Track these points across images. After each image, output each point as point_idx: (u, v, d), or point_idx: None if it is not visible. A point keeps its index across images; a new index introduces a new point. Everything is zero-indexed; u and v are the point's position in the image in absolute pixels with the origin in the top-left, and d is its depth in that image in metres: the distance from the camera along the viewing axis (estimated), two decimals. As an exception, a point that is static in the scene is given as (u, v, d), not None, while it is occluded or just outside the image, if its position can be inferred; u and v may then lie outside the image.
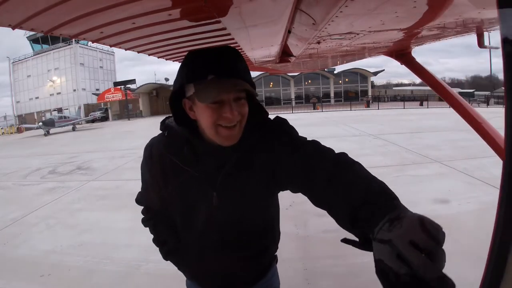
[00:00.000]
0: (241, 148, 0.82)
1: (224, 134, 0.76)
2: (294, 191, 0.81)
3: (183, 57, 0.81)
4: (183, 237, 0.96)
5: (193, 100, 0.76)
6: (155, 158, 0.90)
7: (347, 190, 0.63)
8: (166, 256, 1.02)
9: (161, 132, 0.91)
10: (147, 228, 1.05)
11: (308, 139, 0.83)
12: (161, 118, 0.93)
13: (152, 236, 1.03)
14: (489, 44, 1.44)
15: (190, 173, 0.84)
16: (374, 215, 0.55)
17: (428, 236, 0.45)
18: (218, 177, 0.83)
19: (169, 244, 0.99)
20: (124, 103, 30.27)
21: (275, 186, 0.86)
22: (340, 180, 0.67)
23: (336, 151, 0.77)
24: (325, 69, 27.79)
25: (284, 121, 0.87)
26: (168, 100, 0.82)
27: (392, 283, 0.46)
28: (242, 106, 0.76)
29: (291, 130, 0.85)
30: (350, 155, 0.75)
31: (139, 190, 1.06)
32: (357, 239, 0.60)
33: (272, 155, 0.81)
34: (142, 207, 1.06)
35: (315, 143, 0.80)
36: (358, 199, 0.60)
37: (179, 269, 1.04)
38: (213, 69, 0.73)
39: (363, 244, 0.58)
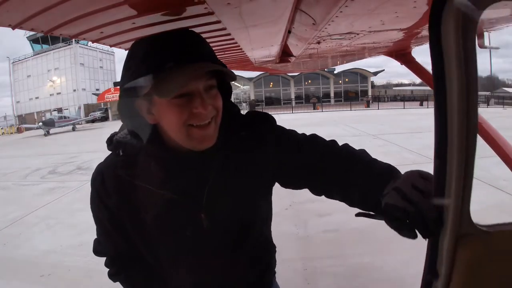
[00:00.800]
0: (223, 152, 0.67)
1: (197, 135, 0.60)
2: (295, 187, 0.75)
3: None
4: (167, 276, 0.77)
5: (151, 98, 0.59)
6: (111, 187, 0.69)
7: (359, 180, 0.65)
8: None
9: (110, 153, 0.72)
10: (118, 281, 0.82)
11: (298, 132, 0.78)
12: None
13: None
14: (489, 44, 1.43)
15: (165, 195, 0.66)
16: (384, 190, 0.60)
17: (426, 181, 0.54)
18: (202, 193, 0.67)
19: None
20: (124, 103, 30.23)
21: (269, 186, 0.77)
22: (351, 173, 0.67)
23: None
24: (325, 69, 27.78)
25: (267, 115, 0.77)
26: (117, 107, 0.65)
27: (400, 220, 0.52)
28: (215, 97, 0.62)
29: (278, 125, 0.76)
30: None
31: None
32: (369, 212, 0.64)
33: (264, 153, 0.71)
34: (105, 259, 0.82)
35: (313, 137, 0.75)
36: (369, 185, 0.63)
37: None
38: (172, 54, 0.58)
39: (377, 214, 0.61)
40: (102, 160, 0.74)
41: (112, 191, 0.69)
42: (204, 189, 0.67)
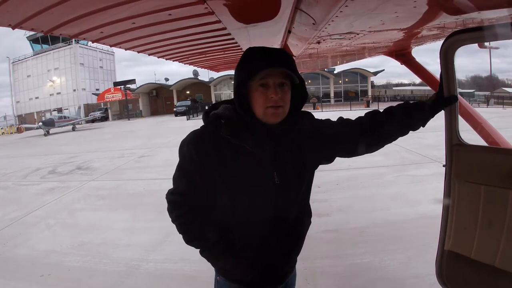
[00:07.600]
0: (292, 130, 0.96)
1: (270, 112, 0.89)
2: (352, 150, 1.11)
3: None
4: (240, 223, 0.95)
5: (248, 85, 0.90)
6: (208, 145, 0.91)
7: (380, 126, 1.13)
8: (223, 252, 0.97)
9: (203, 124, 0.96)
10: (187, 232, 0.99)
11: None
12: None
13: (196, 241, 0.98)
14: (489, 44, 1.44)
15: (254, 154, 0.91)
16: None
17: None
18: (276, 156, 0.94)
19: (225, 237, 0.96)
20: (124, 103, 30.26)
21: (319, 161, 1.05)
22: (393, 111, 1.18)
23: None
24: (325, 69, 27.77)
25: (307, 111, 1.07)
26: (236, 90, 0.92)
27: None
28: (285, 93, 0.89)
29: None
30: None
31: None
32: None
33: (314, 134, 1.02)
34: (175, 211, 0.98)
35: (339, 118, 1.17)
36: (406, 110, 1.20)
37: (229, 265, 0.99)
38: (263, 61, 0.87)
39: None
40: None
41: (208, 146, 0.91)
42: (277, 154, 0.94)
